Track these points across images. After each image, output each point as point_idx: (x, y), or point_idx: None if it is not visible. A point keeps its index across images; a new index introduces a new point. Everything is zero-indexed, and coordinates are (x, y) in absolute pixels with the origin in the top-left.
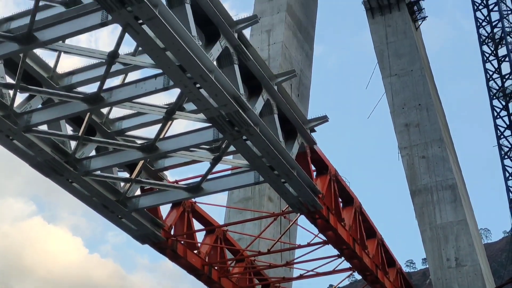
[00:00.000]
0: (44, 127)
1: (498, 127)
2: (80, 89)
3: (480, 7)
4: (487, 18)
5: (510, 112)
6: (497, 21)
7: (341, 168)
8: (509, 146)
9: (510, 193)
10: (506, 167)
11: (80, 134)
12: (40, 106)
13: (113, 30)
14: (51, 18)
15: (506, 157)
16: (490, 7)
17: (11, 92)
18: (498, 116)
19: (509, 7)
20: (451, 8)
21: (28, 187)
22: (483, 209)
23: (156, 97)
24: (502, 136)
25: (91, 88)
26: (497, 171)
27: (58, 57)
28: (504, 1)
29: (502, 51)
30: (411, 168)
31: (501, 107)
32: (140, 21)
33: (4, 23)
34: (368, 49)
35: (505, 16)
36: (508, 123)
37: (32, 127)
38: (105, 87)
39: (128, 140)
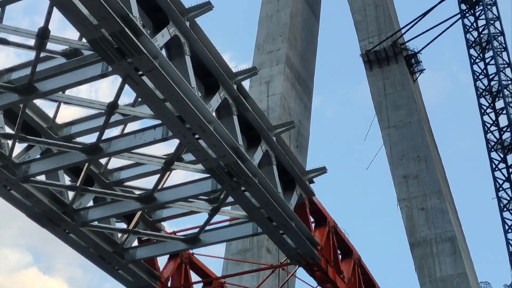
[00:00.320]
0: (42, 177)
1: (497, 179)
2: (79, 139)
3: (477, 60)
4: (484, 71)
5: (509, 164)
6: (494, 74)
7: (339, 219)
8: (508, 198)
9: (510, 246)
10: (506, 220)
11: (78, 184)
12: (38, 156)
13: (113, 81)
14: (51, 69)
15: (505, 209)
16: (487, 60)
17: (10, 142)
18: (496, 169)
19: (505, 61)
20: (449, 61)
21: (24, 237)
22: (483, 261)
23: (155, 148)
24: (501, 189)
25: (90, 138)
26: (497, 223)
27: (58, 107)
28: (500, 54)
29: (499, 104)
30: (410, 220)
31: (499, 159)
32: (140, 73)
33: (5, 74)
34: (366, 100)
35: (501, 69)
36: (506, 175)
37: (30, 177)
38: (104, 137)
39: (126, 190)
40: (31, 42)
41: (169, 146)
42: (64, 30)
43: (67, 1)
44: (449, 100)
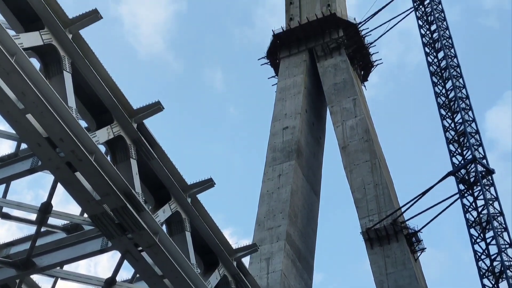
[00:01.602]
0: None
1: None
2: None
3: (478, 240)
4: (486, 251)
5: None
6: (496, 255)
7: None
8: None
9: None
10: None
11: None
12: None
13: (114, 254)
14: (51, 243)
15: None
16: (488, 240)
17: None
18: None
19: (506, 241)
20: (449, 239)
21: None
22: None
23: None
24: None
25: None
26: None
27: (55, 282)
28: (501, 235)
29: (503, 285)
30: None
31: None
32: (140, 248)
33: (4, 248)
34: (368, 278)
35: (503, 250)
36: None
37: None
38: None
39: None
40: (34, 216)
41: None
42: (66, 204)
43: (72, 178)
44: (451, 278)
